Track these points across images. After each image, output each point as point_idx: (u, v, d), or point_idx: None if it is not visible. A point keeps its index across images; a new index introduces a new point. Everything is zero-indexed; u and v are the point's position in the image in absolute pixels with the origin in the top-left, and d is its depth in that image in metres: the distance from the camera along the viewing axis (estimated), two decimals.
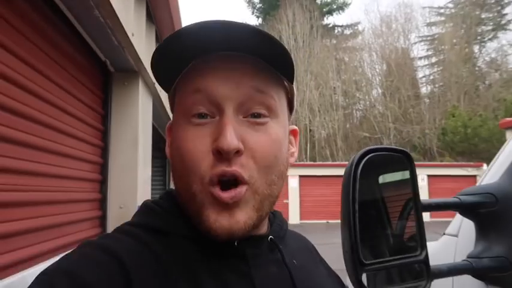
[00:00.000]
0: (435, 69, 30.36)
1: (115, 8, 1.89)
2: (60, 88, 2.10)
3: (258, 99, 0.47)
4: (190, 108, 0.47)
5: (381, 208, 0.93)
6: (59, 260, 0.43)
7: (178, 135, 0.49)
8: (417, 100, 27.41)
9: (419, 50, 36.80)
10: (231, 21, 0.44)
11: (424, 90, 30.11)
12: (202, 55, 0.48)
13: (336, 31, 36.98)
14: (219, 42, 0.46)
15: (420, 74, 30.75)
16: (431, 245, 1.18)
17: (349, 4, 37.12)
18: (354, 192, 0.75)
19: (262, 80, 0.48)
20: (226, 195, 0.45)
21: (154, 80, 2.62)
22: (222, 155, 0.44)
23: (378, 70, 30.63)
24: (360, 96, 29.65)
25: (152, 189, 3.58)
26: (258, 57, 0.47)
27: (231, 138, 0.44)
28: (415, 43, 31.06)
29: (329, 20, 36.85)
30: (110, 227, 2.70)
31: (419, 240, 0.88)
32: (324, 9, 36.73)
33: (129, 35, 2.23)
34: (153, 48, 3.56)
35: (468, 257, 1.00)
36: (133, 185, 2.76)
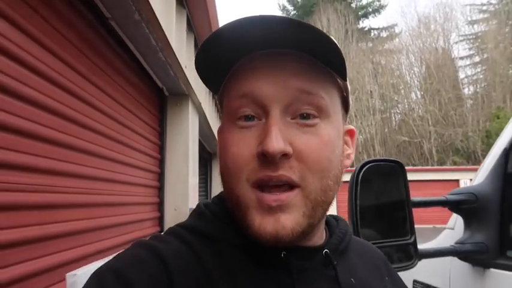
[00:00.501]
0: (478, 69, 29.33)
1: (174, 48, 2.38)
2: (128, 110, 2.61)
3: (305, 100, 0.45)
4: (235, 111, 0.46)
5: (379, 205, 1.36)
6: (111, 259, 0.45)
7: (224, 138, 0.48)
8: (459, 102, 26.61)
9: (460, 50, 35.66)
10: (269, 16, 0.41)
11: (467, 91, 29.15)
12: (243, 56, 0.46)
13: (372, 34, 36.63)
14: (260, 40, 0.44)
15: (462, 75, 29.80)
16: (436, 239, 1.60)
17: (386, 6, 36.69)
18: (356, 193, 1.14)
19: (308, 79, 0.45)
20: (270, 197, 0.43)
21: (200, 100, 3.11)
22: (267, 158, 0.42)
23: (416, 73, 30.03)
24: (398, 99, 29.19)
25: (198, 195, 4.07)
26: (303, 52, 0.45)
27: (276, 141, 0.42)
28: (456, 43, 30.19)
29: (364, 23, 36.61)
30: (166, 226, 3.19)
31: (410, 228, 1.27)
32: (360, 13, 36.53)
33: (183, 67, 2.73)
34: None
35: (455, 243, 1.39)
36: (185, 191, 3.26)
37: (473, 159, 23.53)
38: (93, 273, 0.43)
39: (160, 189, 3.21)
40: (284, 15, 0.45)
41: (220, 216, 0.50)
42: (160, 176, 3.21)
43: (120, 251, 0.47)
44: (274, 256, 0.46)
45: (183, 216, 3.27)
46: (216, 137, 0.53)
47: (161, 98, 3.22)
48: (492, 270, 1.24)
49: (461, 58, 30.19)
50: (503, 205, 1.55)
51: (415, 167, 19.23)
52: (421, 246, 1.29)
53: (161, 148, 3.22)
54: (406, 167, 1.22)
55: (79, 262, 1.84)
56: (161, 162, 3.22)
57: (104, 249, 2.22)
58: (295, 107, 0.45)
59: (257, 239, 0.44)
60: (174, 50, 2.39)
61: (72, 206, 1.87)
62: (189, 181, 3.26)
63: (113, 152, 2.37)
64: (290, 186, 0.44)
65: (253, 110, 0.45)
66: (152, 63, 2.58)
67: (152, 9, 1.86)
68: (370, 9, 37.83)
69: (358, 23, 36.58)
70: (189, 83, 3.07)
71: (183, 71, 2.75)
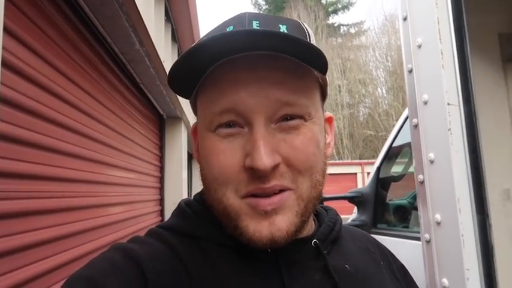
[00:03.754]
0: None
1: None
2: (137, 131, 3.61)
3: (288, 110, 0.44)
4: (214, 120, 0.44)
5: None
6: (84, 266, 0.43)
7: (206, 146, 0.45)
8: None
9: None
10: (238, 30, 0.42)
11: None
12: (217, 60, 0.43)
13: (342, 30, 37.98)
14: (234, 47, 0.41)
15: None
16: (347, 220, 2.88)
17: (354, 3, 38.05)
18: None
19: (289, 89, 0.43)
20: (264, 202, 0.42)
21: (189, 120, 4.18)
22: (256, 172, 0.41)
23: (381, 69, 31.60)
24: (366, 94, 30.63)
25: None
26: (279, 52, 0.42)
27: (265, 156, 0.40)
28: None
29: (334, 19, 37.88)
30: (166, 217, 4.24)
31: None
32: (329, 9, 37.69)
33: (181, 102, 3.78)
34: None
35: (351, 221, 2.63)
36: (179, 189, 4.33)
37: None
38: (65, 281, 0.41)
39: (161, 189, 4.27)
40: (255, 14, 0.47)
41: (202, 215, 0.49)
42: (161, 179, 4.27)
43: (94, 257, 0.45)
44: (261, 251, 0.45)
45: None
46: (191, 135, 0.52)
47: (161, 120, 4.28)
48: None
49: None
50: (375, 199, 2.82)
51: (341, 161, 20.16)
52: None
53: (161, 158, 4.29)
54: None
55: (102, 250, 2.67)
56: (162, 169, 4.28)
57: (123, 237, 2.99)
58: (277, 115, 0.43)
59: (253, 244, 0.43)
60: None
61: (92, 207, 2.30)
62: (183, 183, 4.34)
63: (125, 163, 3.24)
64: (283, 190, 0.43)
65: (235, 119, 0.43)
66: (156, 96, 3.63)
67: (159, 58, 2.75)
68: (340, 6, 39.02)
69: (328, 19, 37.66)
70: (182, 109, 4.13)
71: (178, 101, 3.80)
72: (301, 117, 0.45)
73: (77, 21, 1.94)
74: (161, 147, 4.29)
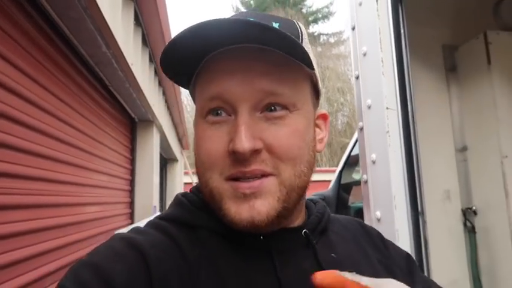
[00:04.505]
0: None
1: (143, 89, 3.44)
2: (107, 133, 3.61)
3: (272, 99, 0.46)
4: (205, 106, 0.47)
5: None
6: (87, 254, 0.45)
7: (197, 134, 0.49)
8: None
9: None
10: (227, 18, 0.43)
11: None
12: (209, 52, 0.47)
13: (322, 39, 38.61)
14: (225, 38, 0.44)
15: None
16: None
17: (334, 13, 38.80)
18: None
19: (275, 80, 0.46)
20: (244, 185, 0.44)
21: (161, 123, 4.21)
22: (238, 156, 0.43)
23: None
24: (344, 103, 31.21)
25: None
26: (266, 45, 0.44)
27: (245, 139, 0.43)
28: None
29: (314, 29, 38.48)
30: (136, 220, 4.24)
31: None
32: (310, 18, 38.31)
33: (151, 105, 3.81)
34: (163, 105, 5.03)
35: None
36: (149, 193, 4.32)
37: None
38: (69, 269, 0.43)
39: (131, 192, 4.25)
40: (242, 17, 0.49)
41: (198, 205, 0.51)
42: (132, 182, 4.26)
43: (99, 244, 0.47)
44: (254, 240, 0.48)
45: (148, 211, 4.33)
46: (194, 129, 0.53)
47: (133, 123, 4.28)
48: None
49: None
50: (337, 202, 2.92)
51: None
52: None
53: (132, 161, 4.27)
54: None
55: (68, 247, 2.51)
56: (132, 171, 4.27)
57: (91, 236, 3.08)
58: (262, 103, 0.46)
59: (234, 226, 0.45)
60: (143, 90, 3.48)
61: (62, 205, 2.36)
62: (153, 187, 4.34)
63: (94, 164, 3.24)
64: (264, 175, 0.45)
65: (222, 106, 0.46)
66: (126, 99, 3.64)
67: (126, 61, 2.76)
68: (320, 15, 39.69)
69: (309, 28, 38.24)
70: (155, 115, 4.15)
71: (149, 104, 3.82)
72: (285, 107, 0.47)
73: (41, 22, 1.96)
74: (132, 150, 4.28)
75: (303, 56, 0.45)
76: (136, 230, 0.50)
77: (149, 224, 0.52)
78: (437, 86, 1.81)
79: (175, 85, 4.97)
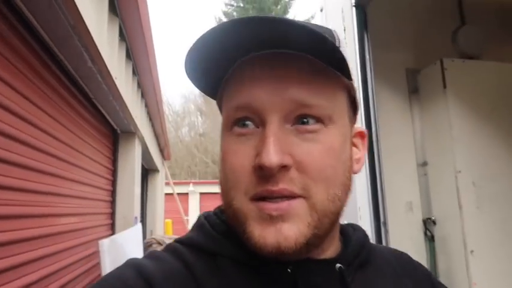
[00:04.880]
0: None
1: (126, 102, 3.52)
2: (90, 145, 3.66)
3: (306, 111, 0.42)
4: (231, 116, 0.44)
5: None
6: (97, 282, 0.42)
7: (222, 147, 0.45)
8: None
9: None
10: (260, 16, 0.38)
11: None
12: (239, 58, 0.43)
13: None
14: (255, 41, 0.40)
15: None
16: None
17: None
18: None
19: (309, 90, 0.42)
20: (270, 206, 0.40)
21: (143, 135, 4.28)
22: (264, 171, 0.39)
23: None
24: None
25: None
26: (303, 52, 0.41)
27: (273, 153, 0.38)
28: None
29: None
30: (117, 231, 4.25)
31: None
32: None
33: (134, 117, 3.88)
34: (145, 116, 5.11)
35: None
36: (131, 203, 4.36)
37: None
38: None
39: (112, 203, 4.28)
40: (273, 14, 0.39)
41: (220, 229, 0.48)
42: (113, 193, 4.29)
43: (110, 271, 0.44)
44: (280, 271, 0.43)
45: (129, 222, 4.36)
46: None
47: (115, 134, 4.33)
48: None
49: None
50: None
51: None
52: None
53: (114, 172, 4.31)
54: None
55: (46, 259, 2.54)
56: (114, 182, 4.30)
57: (70, 247, 3.05)
58: (294, 115, 0.42)
59: (258, 251, 0.40)
60: (127, 104, 3.56)
61: (41, 216, 2.35)
62: (135, 198, 4.38)
63: (74, 175, 3.22)
64: (293, 197, 0.41)
65: (250, 117, 0.43)
66: (109, 111, 3.70)
67: (110, 75, 2.86)
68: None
69: None
70: (136, 125, 4.21)
71: (131, 116, 3.89)
72: (319, 120, 0.43)
73: (28, 37, 2.03)
74: (114, 161, 4.32)
75: (342, 65, 0.42)
76: (153, 255, 0.47)
77: (167, 247, 0.49)
78: (401, 107, 1.98)
79: (158, 96, 5.06)
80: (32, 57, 2.11)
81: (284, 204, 0.40)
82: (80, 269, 3.23)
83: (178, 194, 10.63)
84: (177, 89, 47.43)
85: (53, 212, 2.64)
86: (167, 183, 9.77)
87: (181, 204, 10.53)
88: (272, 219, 0.40)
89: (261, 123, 0.42)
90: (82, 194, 3.39)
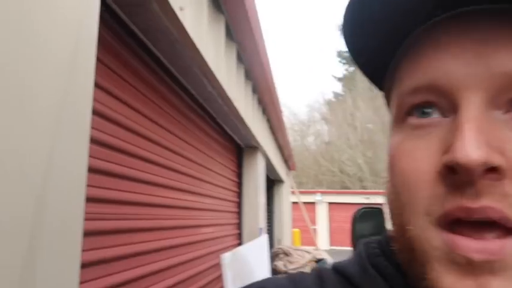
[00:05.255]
0: None
1: (246, 121, 3.74)
2: (217, 161, 3.98)
3: None
4: (404, 103, 0.30)
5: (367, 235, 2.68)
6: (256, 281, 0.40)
7: (390, 147, 0.32)
8: None
9: None
10: None
11: None
12: (420, 23, 0.30)
13: None
14: None
15: None
16: None
17: None
18: (353, 228, 2.28)
19: None
20: (470, 244, 0.26)
21: (265, 149, 4.47)
22: (459, 176, 0.25)
23: None
24: None
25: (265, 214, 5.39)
26: (507, 3, 0.27)
27: (471, 145, 0.25)
28: None
29: None
30: (244, 241, 4.51)
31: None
32: None
33: (255, 134, 4.11)
34: (267, 131, 5.38)
35: None
36: (255, 215, 4.58)
37: None
38: None
39: (239, 214, 4.57)
40: None
41: (374, 261, 0.36)
42: (239, 204, 4.59)
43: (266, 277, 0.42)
44: None
45: (254, 232, 4.59)
46: None
47: (239, 149, 4.65)
48: None
49: None
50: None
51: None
52: None
53: (240, 184, 4.62)
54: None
55: (184, 265, 2.99)
56: (240, 194, 4.60)
57: (204, 255, 3.36)
58: (505, 97, 0.27)
59: None
60: (247, 123, 3.79)
61: (179, 227, 2.70)
62: (259, 209, 4.60)
63: (207, 190, 3.57)
64: (505, 227, 0.25)
65: (434, 102, 0.29)
66: (232, 129, 4.00)
67: (229, 97, 3.07)
68: None
69: None
70: (258, 141, 4.46)
71: (251, 133, 4.12)
72: None
73: (157, 69, 2.35)
74: (239, 175, 4.62)
75: None
76: (291, 275, 0.41)
77: (313, 270, 0.41)
78: None
79: (277, 111, 5.23)
80: (161, 86, 2.42)
81: (496, 244, 0.25)
82: (213, 275, 3.53)
83: (304, 203, 10.75)
84: (302, 98, 48.25)
85: (190, 224, 2.97)
86: (292, 192, 9.97)
87: (308, 214, 10.58)
88: (472, 266, 0.25)
89: (451, 109, 0.29)
90: (213, 207, 3.71)
